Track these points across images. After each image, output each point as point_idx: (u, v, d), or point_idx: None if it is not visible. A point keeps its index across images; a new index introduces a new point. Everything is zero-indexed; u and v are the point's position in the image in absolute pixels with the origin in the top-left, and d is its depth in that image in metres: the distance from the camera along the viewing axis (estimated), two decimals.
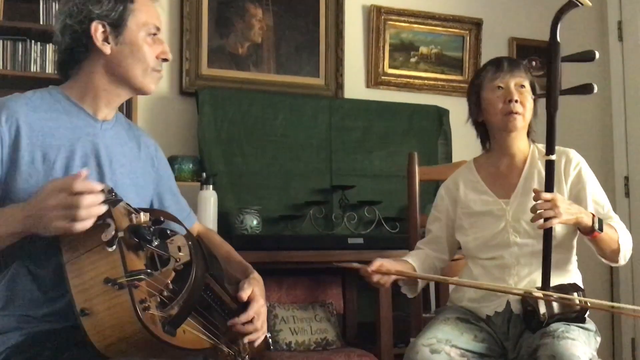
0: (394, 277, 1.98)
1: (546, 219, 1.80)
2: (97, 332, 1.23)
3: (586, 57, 1.93)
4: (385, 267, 1.95)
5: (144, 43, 1.57)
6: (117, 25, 1.54)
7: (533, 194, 1.86)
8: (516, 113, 2.00)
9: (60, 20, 1.56)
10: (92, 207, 1.27)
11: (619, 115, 3.76)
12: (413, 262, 2.09)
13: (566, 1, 1.89)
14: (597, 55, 1.93)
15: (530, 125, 2.09)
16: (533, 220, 1.84)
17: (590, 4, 1.88)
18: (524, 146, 2.09)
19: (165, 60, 1.61)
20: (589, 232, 1.87)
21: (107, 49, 1.54)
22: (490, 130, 2.12)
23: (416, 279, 2.09)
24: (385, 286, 2.00)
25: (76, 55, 1.56)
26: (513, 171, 2.08)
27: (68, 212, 1.25)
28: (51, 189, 1.29)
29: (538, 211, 1.81)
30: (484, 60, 3.77)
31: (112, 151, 1.59)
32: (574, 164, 2.04)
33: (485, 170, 2.13)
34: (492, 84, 2.05)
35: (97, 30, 1.53)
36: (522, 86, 2.02)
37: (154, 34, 1.59)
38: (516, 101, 2.00)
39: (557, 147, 2.02)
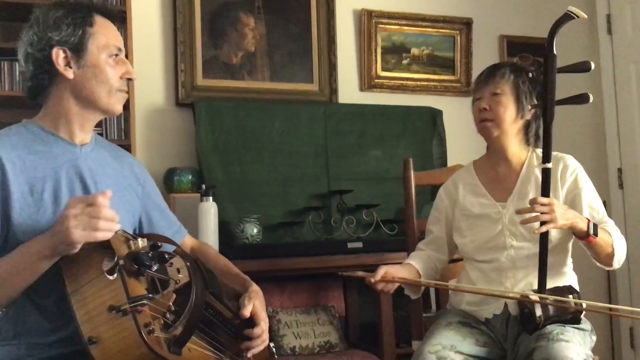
0: (397, 283, 2.03)
1: (542, 223, 1.84)
2: (106, 358, 1.28)
3: (581, 68, 1.95)
4: (390, 274, 1.99)
5: (106, 65, 1.59)
6: (77, 50, 1.56)
7: (529, 201, 1.89)
8: (486, 120, 2.07)
9: (23, 49, 1.59)
10: (110, 222, 1.34)
11: (611, 108, 3.80)
12: (416, 265, 2.14)
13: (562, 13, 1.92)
14: (593, 65, 1.96)
15: (526, 131, 2.11)
16: (525, 222, 1.88)
17: (585, 16, 1.91)
18: (519, 151, 2.12)
19: (129, 79, 1.64)
20: (584, 236, 1.91)
21: (70, 74, 1.56)
22: None
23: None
24: (389, 293, 2.04)
25: (41, 82, 1.58)
26: (510, 175, 2.12)
27: (88, 220, 1.32)
28: (72, 200, 1.36)
29: (534, 214, 1.84)
30: (475, 59, 3.85)
31: (95, 173, 1.62)
32: (571, 170, 2.07)
33: (484, 174, 2.17)
34: (474, 95, 2.14)
35: (59, 56, 1.55)
36: (496, 93, 2.06)
37: (116, 55, 1.61)
38: (485, 109, 2.06)
39: (555, 153, 2.07)
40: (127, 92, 1.66)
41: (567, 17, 1.91)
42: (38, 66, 1.57)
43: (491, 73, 2.10)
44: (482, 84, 2.10)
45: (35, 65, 1.57)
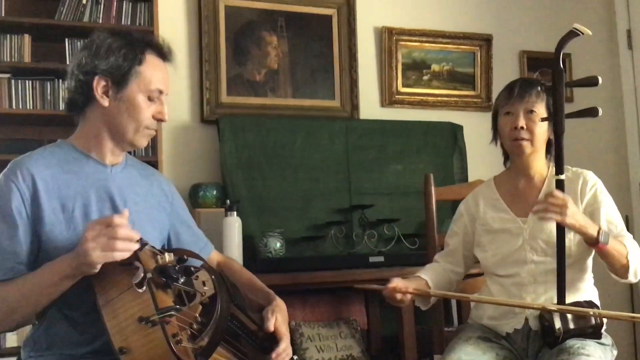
0: (410, 295, 2.03)
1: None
2: None
3: (590, 82, 1.96)
4: (400, 287, 1.99)
5: (141, 103, 1.64)
6: (119, 83, 1.62)
7: (546, 194, 1.89)
8: (522, 139, 2.05)
9: (71, 66, 1.66)
10: (128, 241, 1.39)
11: (632, 122, 3.80)
12: (426, 277, 2.15)
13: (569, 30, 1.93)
14: (600, 80, 1.96)
15: (550, 148, 2.12)
16: (535, 211, 1.88)
17: (590, 33, 1.91)
18: (541, 167, 2.13)
19: (160, 120, 1.68)
20: (594, 243, 1.91)
21: (105, 102, 1.62)
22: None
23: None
24: (404, 304, 2.05)
25: (77, 101, 1.65)
26: (531, 190, 2.12)
27: (106, 241, 1.37)
28: (90, 223, 1.42)
29: (546, 204, 1.84)
30: (495, 74, 3.88)
31: (124, 192, 1.68)
32: (590, 184, 2.08)
33: (505, 189, 2.18)
34: (503, 109, 2.11)
35: (99, 84, 1.61)
36: (532, 111, 2.04)
37: (157, 96, 1.66)
38: (522, 128, 2.04)
39: (575, 169, 2.09)
40: (156, 131, 1.71)
41: (573, 34, 1.92)
42: (78, 86, 1.64)
43: (525, 89, 2.06)
44: (517, 100, 2.06)
45: (76, 85, 1.64)
